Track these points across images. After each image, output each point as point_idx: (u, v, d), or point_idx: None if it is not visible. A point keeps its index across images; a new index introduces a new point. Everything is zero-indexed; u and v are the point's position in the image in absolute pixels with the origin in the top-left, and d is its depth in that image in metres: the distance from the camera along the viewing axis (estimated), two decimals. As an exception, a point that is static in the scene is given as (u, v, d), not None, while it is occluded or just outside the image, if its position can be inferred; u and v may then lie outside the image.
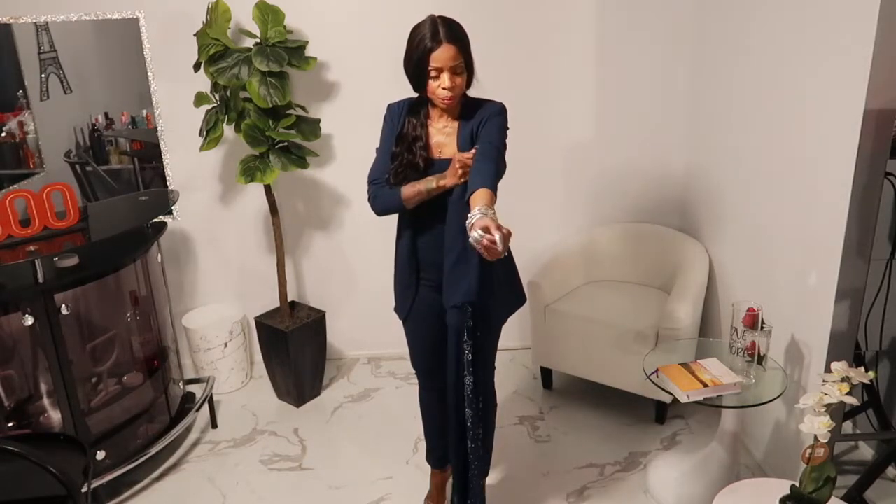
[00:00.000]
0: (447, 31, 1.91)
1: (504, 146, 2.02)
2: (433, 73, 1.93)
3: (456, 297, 2.02)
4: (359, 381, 3.46)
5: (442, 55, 1.90)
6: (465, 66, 1.95)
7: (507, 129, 2.05)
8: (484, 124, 2.01)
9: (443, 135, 2.07)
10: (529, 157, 3.31)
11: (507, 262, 2.22)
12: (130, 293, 2.77)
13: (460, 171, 1.96)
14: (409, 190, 2.03)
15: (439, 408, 2.42)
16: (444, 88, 1.94)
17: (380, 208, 2.11)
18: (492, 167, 1.92)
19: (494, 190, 1.88)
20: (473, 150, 1.95)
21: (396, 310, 2.28)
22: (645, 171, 3.41)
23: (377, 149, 2.14)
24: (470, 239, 1.68)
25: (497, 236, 1.64)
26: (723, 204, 3.00)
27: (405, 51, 1.97)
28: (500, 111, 2.04)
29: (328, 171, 3.35)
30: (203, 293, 3.51)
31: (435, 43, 1.90)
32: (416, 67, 1.95)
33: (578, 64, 3.26)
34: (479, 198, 1.82)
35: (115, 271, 2.63)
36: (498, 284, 2.15)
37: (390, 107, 2.13)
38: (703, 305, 3.02)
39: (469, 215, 1.76)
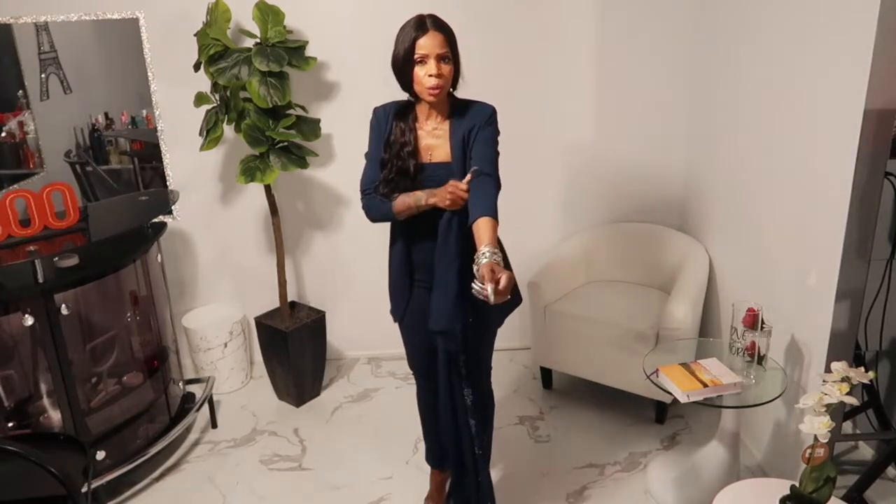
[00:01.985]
0: (434, 20, 1.94)
1: (497, 159, 2.03)
2: (419, 60, 1.93)
3: (439, 323, 2.07)
4: (359, 381, 3.46)
5: (428, 42, 1.91)
6: (452, 58, 1.95)
7: (499, 133, 2.06)
8: (477, 132, 2.00)
9: (433, 137, 2.06)
10: (529, 157, 3.31)
11: (504, 264, 2.22)
12: (130, 293, 2.77)
13: (449, 199, 1.94)
14: (400, 205, 2.03)
15: (438, 408, 2.43)
16: (430, 75, 1.93)
17: (373, 218, 2.12)
18: (492, 189, 1.94)
19: (496, 216, 1.91)
20: (467, 182, 1.92)
21: (392, 312, 2.28)
22: (645, 171, 3.41)
23: (366, 154, 2.13)
24: (472, 290, 1.74)
25: (489, 289, 1.69)
26: (723, 204, 3.00)
27: (393, 48, 1.98)
28: (491, 116, 2.03)
29: (328, 171, 3.35)
30: (203, 293, 3.51)
31: (421, 31, 1.91)
32: (403, 58, 1.95)
33: (579, 64, 3.26)
34: (483, 231, 1.85)
35: (115, 271, 2.63)
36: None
37: (376, 111, 2.12)
38: (703, 305, 3.02)
39: (476, 255, 1.80)
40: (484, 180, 1.95)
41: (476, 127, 2.01)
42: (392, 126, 2.07)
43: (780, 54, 2.46)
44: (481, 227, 1.87)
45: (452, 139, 2.03)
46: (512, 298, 2.26)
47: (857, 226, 2.09)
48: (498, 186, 2.00)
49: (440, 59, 1.93)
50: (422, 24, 1.93)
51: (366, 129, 2.14)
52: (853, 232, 2.09)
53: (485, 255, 1.79)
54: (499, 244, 2.17)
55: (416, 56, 1.93)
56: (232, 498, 2.68)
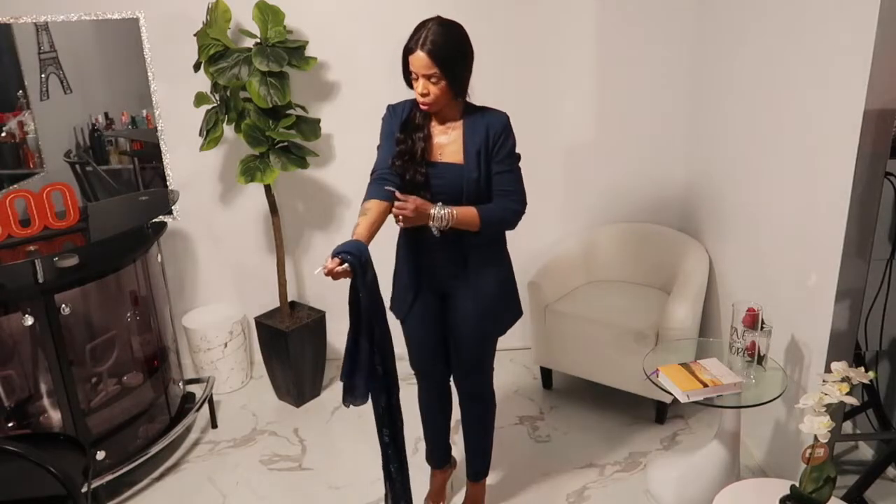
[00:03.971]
0: (428, 38, 1.89)
1: (519, 176, 2.08)
2: (412, 76, 1.95)
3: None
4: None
5: (415, 62, 1.91)
6: (443, 76, 1.92)
7: (515, 144, 2.06)
8: (494, 149, 2.00)
9: (444, 136, 2.06)
10: (530, 158, 3.26)
11: (509, 276, 2.25)
12: (130, 293, 2.77)
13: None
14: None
15: (438, 408, 2.43)
16: (419, 93, 1.94)
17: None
18: (501, 206, 2.04)
19: (491, 211, 2.02)
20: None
21: (392, 310, 2.28)
22: (645, 171, 3.41)
23: (378, 147, 2.13)
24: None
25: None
26: (723, 204, 3.00)
27: None
28: (506, 128, 2.03)
29: (328, 171, 3.35)
30: (203, 293, 3.50)
31: (414, 46, 1.91)
32: (403, 67, 1.97)
33: (579, 64, 3.26)
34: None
35: (115, 271, 2.63)
36: (500, 298, 2.18)
37: (391, 106, 2.13)
38: (703, 305, 3.02)
39: None
40: (500, 202, 2.05)
41: (492, 141, 2.01)
42: (411, 112, 2.07)
43: (780, 54, 2.46)
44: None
45: (466, 144, 2.02)
46: (511, 311, 2.27)
47: (857, 226, 2.09)
48: (522, 203, 2.07)
49: (427, 78, 1.92)
50: (417, 39, 1.90)
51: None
52: (853, 232, 2.09)
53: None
54: (506, 262, 2.23)
55: (410, 71, 1.95)
56: (232, 498, 2.68)
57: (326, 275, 1.83)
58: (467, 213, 1.98)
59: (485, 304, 2.15)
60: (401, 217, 1.95)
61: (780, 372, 2.35)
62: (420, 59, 1.89)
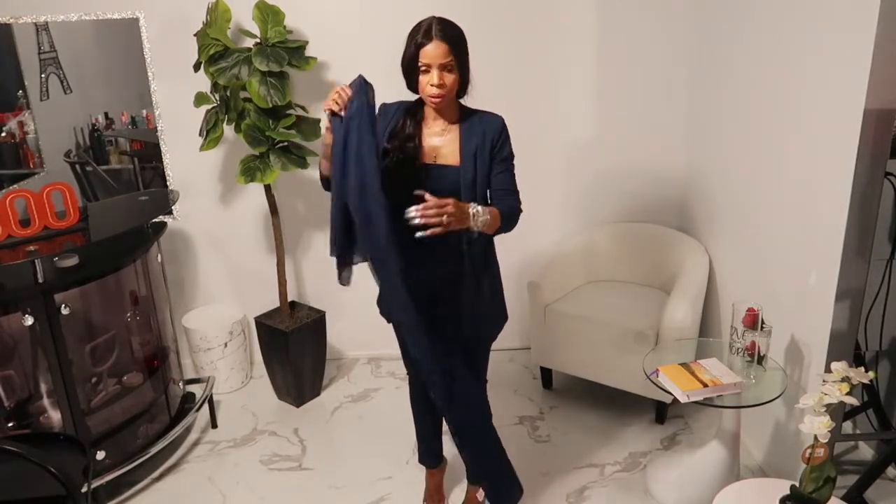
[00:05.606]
0: (440, 28, 1.91)
1: (515, 179, 2.06)
2: (423, 69, 1.93)
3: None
4: (359, 381, 3.46)
5: (432, 51, 1.90)
6: (456, 67, 1.93)
7: (511, 146, 2.06)
8: (491, 151, 2.00)
9: (439, 138, 2.05)
10: (529, 157, 3.27)
11: (499, 281, 2.23)
12: (130, 293, 2.77)
13: (330, 100, 1.93)
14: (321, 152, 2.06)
15: (430, 408, 2.41)
16: (432, 85, 1.93)
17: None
18: (509, 209, 2.01)
19: (504, 211, 1.98)
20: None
21: (383, 314, 2.27)
22: (645, 170, 3.41)
23: None
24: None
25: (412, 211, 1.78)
26: (723, 204, 3.00)
27: (404, 49, 1.97)
28: (503, 131, 2.03)
29: (328, 171, 3.34)
30: (203, 293, 3.51)
31: (426, 39, 1.90)
32: (409, 63, 1.96)
33: (578, 63, 3.26)
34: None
35: (115, 271, 2.63)
36: (489, 302, 2.17)
37: (385, 105, 2.11)
38: (703, 305, 3.02)
39: None
40: (506, 202, 2.02)
41: (489, 142, 2.00)
42: (399, 119, 2.06)
43: (781, 54, 2.46)
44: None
45: (463, 146, 2.02)
46: (497, 316, 2.26)
47: (857, 226, 2.09)
48: (519, 209, 2.03)
49: (443, 68, 1.92)
50: (428, 31, 1.90)
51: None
52: (853, 232, 2.09)
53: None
54: (496, 267, 2.21)
55: (419, 63, 1.93)
56: (232, 498, 2.68)
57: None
58: (493, 211, 1.94)
59: (478, 310, 2.14)
60: (446, 222, 1.77)
61: (780, 372, 2.35)
62: (439, 47, 1.89)
